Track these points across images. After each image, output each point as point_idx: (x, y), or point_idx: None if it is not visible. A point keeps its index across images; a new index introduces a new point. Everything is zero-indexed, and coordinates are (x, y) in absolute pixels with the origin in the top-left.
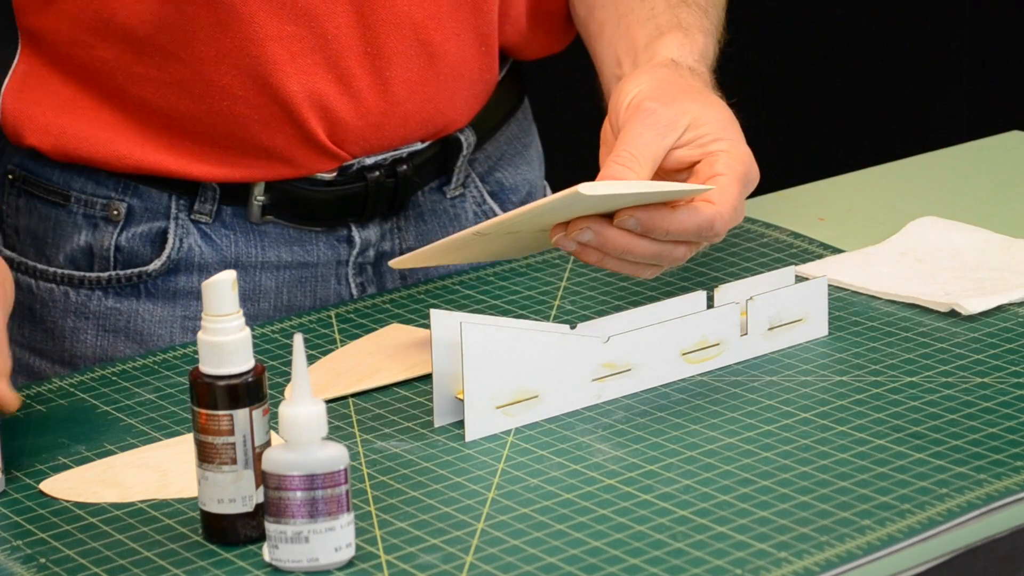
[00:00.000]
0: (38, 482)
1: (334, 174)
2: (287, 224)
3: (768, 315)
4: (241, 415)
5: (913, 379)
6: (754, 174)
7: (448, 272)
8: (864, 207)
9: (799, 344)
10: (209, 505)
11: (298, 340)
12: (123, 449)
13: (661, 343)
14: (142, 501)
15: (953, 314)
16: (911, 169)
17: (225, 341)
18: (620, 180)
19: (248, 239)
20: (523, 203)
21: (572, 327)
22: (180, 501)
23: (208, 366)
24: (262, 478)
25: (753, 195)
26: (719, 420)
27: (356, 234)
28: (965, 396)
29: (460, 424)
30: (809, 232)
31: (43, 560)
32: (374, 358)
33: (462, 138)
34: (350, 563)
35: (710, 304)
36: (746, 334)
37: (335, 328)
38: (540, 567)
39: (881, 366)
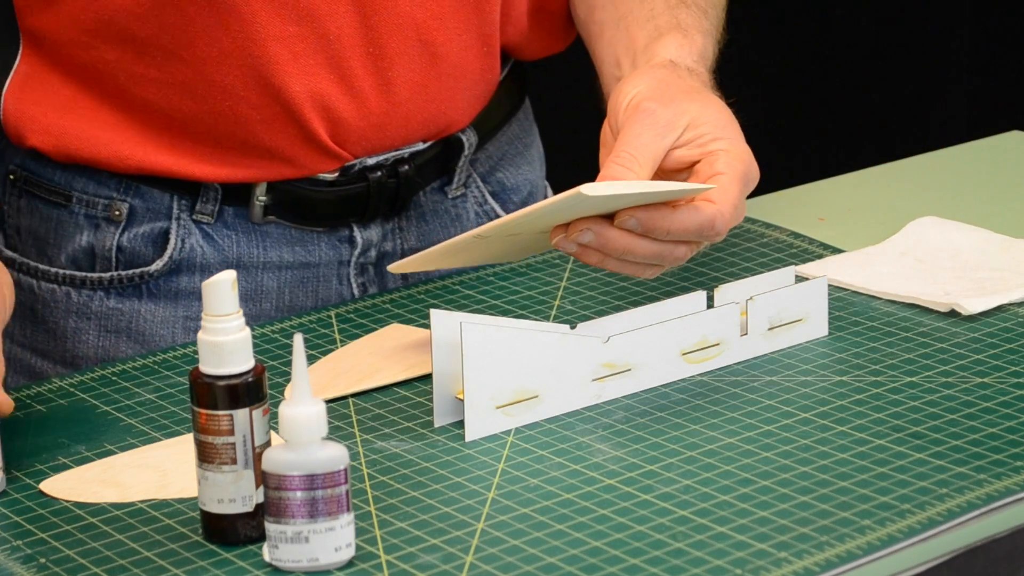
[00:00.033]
0: (38, 482)
1: (336, 174)
2: (289, 224)
3: (768, 315)
4: (241, 415)
5: (913, 379)
6: (754, 173)
7: (448, 272)
8: (864, 207)
9: (799, 344)
10: (209, 505)
11: (298, 340)
12: (123, 449)
13: (661, 343)
14: (142, 501)
15: (953, 314)
16: (911, 169)
17: (225, 341)
18: (620, 180)
19: (250, 239)
20: (524, 203)
21: (572, 327)
22: (180, 501)
23: (208, 366)
24: (262, 478)
25: (753, 195)
26: (719, 420)
27: (358, 234)
28: (965, 396)
29: (460, 424)
30: (809, 232)
31: (43, 560)
32: (374, 358)
33: (464, 138)
34: (350, 563)
35: (710, 304)
36: (746, 334)
37: (335, 328)
38: (540, 567)
39: (881, 366)
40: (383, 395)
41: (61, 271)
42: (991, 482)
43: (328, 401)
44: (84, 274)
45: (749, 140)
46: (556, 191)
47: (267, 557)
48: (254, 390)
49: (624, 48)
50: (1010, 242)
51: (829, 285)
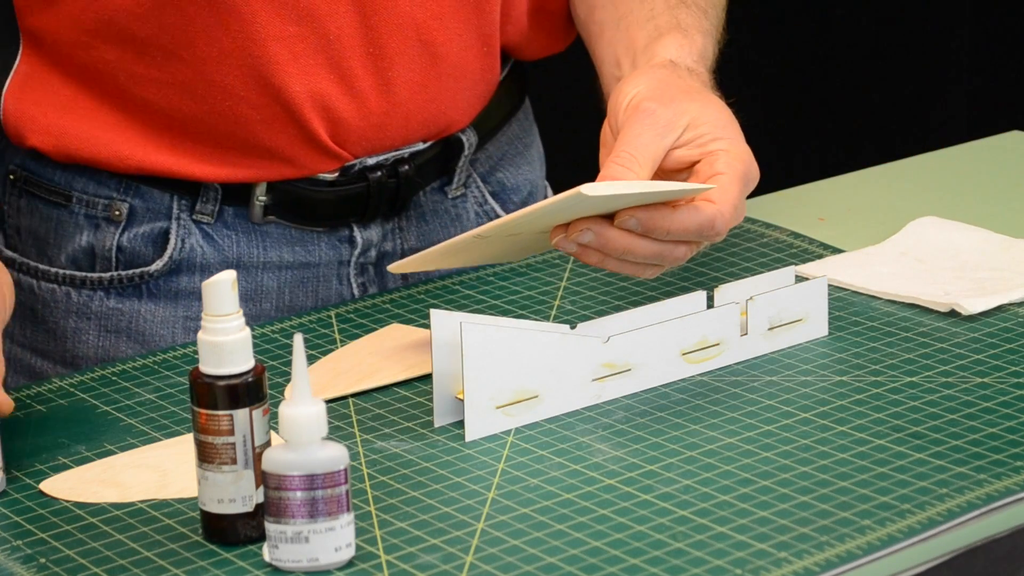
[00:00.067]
0: (38, 482)
1: (336, 174)
2: (289, 224)
3: (768, 315)
4: (241, 415)
5: (913, 379)
6: (754, 173)
7: (448, 272)
8: (864, 207)
9: (799, 344)
10: (209, 505)
11: (298, 340)
12: (123, 449)
13: (661, 343)
14: (142, 501)
15: (953, 314)
16: (911, 169)
17: (225, 341)
18: (620, 180)
19: (250, 239)
20: (524, 203)
21: (572, 327)
22: (180, 501)
23: (208, 366)
24: (262, 478)
25: (753, 195)
26: (719, 420)
27: (358, 234)
28: (965, 396)
29: (460, 424)
30: (809, 232)
31: (43, 560)
32: (374, 358)
33: (464, 138)
34: (350, 563)
35: (710, 304)
36: (746, 334)
37: (335, 328)
38: (540, 567)
39: (881, 366)
40: (383, 395)
41: (61, 271)
42: (991, 482)
43: (328, 401)
44: (84, 274)
45: (749, 140)
46: (556, 191)
47: (267, 557)
48: (254, 390)
49: (624, 48)
50: (1010, 242)
51: (829, 285)
